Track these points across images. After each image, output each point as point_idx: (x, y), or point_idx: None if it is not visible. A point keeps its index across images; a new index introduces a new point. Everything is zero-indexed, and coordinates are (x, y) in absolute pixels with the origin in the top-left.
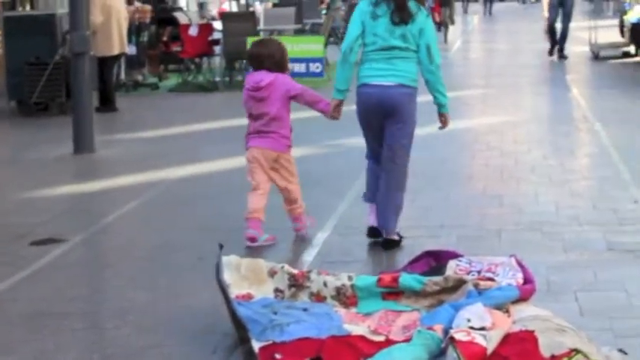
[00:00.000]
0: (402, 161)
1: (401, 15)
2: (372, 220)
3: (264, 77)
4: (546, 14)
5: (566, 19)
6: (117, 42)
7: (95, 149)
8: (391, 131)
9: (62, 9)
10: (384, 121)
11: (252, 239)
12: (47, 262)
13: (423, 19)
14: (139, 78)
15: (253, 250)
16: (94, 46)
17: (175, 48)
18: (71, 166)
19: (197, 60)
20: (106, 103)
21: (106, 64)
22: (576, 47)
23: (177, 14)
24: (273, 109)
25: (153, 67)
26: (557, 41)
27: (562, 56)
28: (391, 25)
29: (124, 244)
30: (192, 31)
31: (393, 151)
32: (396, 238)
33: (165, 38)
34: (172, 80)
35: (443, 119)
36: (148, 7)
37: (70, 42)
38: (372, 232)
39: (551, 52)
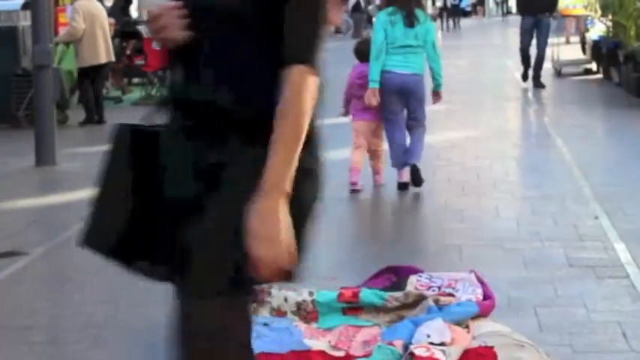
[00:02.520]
0: (423, 123)
1: (410, 20)
2: (401, 178)
3: (366, 68)
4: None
5: (542, 44)
6: (103, 50)
7: (57, 162)
8: (413, 107)
9: (25, 21)
10: (405, 99)
11: (354, 183)
12: (7, 275)
13: (428, 23)
14: (103, 92)
15: None
16: (79, 56)
17: (139, 61)
18: (32, 178)
19: (160, 73)
20: (91, 116)
21: (88, 74)
22: None
23: (141, 27)
24: None
25: (116, 80)
26: (529, 67)
27: (538, 84)
28: (405, 28)
29: (86, 258)
30: (156, 45)
31: (418, 120)
32: (418, 165)
33: (128, 51)
34: (136, 93)
35: (437, 96)
36: (112, 21)
37: (32, 55)
38: (402, 186)
39: (524, 78)
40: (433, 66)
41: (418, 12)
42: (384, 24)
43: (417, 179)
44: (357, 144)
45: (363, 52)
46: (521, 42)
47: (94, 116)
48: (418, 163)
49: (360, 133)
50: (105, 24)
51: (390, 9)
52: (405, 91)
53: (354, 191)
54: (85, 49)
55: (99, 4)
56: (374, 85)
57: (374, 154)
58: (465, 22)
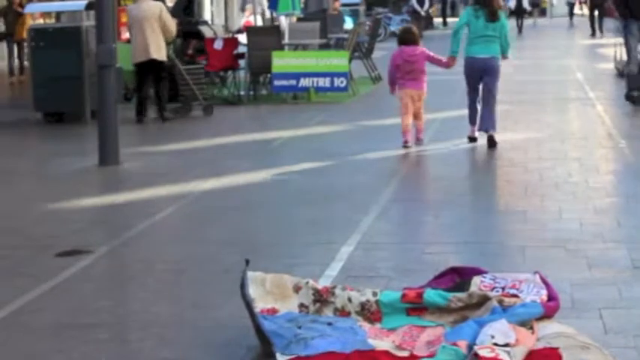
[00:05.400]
0: (495, 94)
1: (492, 18)
2: (472, 132)
3: (415, 49)
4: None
5: None
6: (140, 49)
7: (120, 161)
8: (488, 81)
9: (87, 21)
10: (482, 76)
11: (406, 142)
12: (72, 274)
13: (504, 19)
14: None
15: (279, 265)
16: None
17: (201, 61)
18: (96, 178)
19: (222, 73)
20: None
21: (137, 73)
22: (601, 64)
23: (203, 28)
24: (421, 66)
25: None
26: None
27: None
28: (486, 22)
29: (149, 257)
30: (217, 45)
31: (491, 91)
32: (496, 135)
33: (190, 52)
34: None
35: (504, 57)
36: (174, 21)
37: (96, 55)
38: (472, 139)
39: (631, 98)
40: (504, 51)
41: (498, 11)
42: (469, 15)
43: (492, 143)
44: (406, 110)
45: (410, 39)
46: (629, 50)
47: (142, 114)
48: (495, 132)
49: (409, 100)
50: (148, 24)
51: (476, 6)
52: (485, 69)
53: (406, 147)
54: (132, 50)
55: (145, 5)
56: (454, 54)
57: (417, 116)
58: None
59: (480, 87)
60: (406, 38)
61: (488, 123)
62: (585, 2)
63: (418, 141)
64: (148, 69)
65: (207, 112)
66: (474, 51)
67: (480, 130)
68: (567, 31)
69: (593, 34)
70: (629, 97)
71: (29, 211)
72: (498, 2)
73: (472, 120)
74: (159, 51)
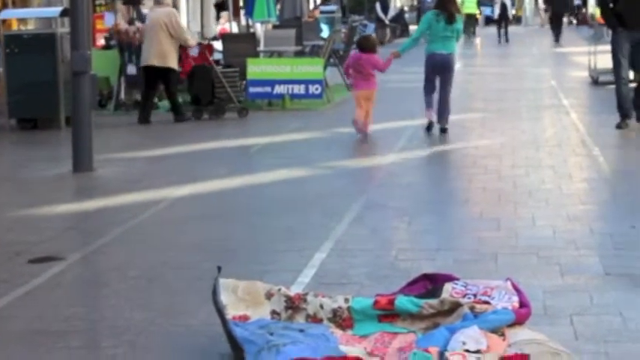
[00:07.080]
0: (450, 89)
1: (450, 20)
2: (429, 116)
3: (360, 56)
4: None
5: None
6: (145, 54)
7: (94, 168)
8: (445, 77)
9: (62, 28)
10: (440, 71)
11: (360, 130)
12: (44, 281)
13: (460, 21)
14: (139, 97)
15: (251, 272)
16: None
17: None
18: (69, 184)
19: None
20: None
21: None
22: (575, 72)
23: None
24: (368, 70)
25: None
26: (628, 107)
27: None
28: (445, 24)
29: (122, 263)
30: (193, 52)
31: (447, 85)
32: (447, 126)
33: None
34: None
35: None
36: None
37: (70, 61)
38: (429, 125)
39: (620, 125)
40: (457, 38)
41: (455, 14)
42: (430, 20)
43: (444, 132)
44: (360, 105)
45: (363, 46)
46: (615, 66)
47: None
48: (447, 125)
49: (362, 98)
50: (154, 31)
51: (436, 11)
52: (443, 64)
53: (358, 134)
54: None
55: (155, 13)
56: (401, 52)
57: (367, 114)
58: (490, 30)
59: (437, 81)
60: (360, 44)
61: (442, 119)
62: (547, 11)
63: (365, 131)
64: (150, 74)
65: (242, 115)
66: (436, 48)
67: (437, 122)
68: (541, 39)
69: (557, 41)
70: (621, 126)
71: (1, 217)
72: (456, 7)
73: (428, 104)
74: (160, 58)
